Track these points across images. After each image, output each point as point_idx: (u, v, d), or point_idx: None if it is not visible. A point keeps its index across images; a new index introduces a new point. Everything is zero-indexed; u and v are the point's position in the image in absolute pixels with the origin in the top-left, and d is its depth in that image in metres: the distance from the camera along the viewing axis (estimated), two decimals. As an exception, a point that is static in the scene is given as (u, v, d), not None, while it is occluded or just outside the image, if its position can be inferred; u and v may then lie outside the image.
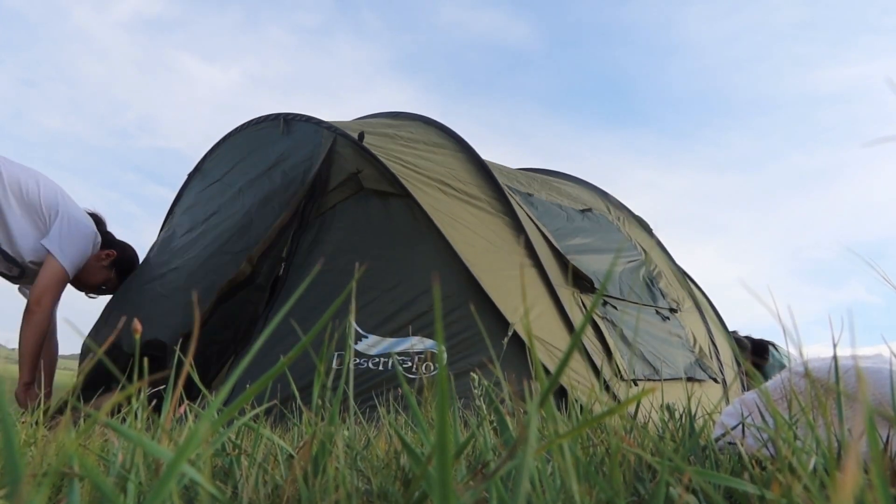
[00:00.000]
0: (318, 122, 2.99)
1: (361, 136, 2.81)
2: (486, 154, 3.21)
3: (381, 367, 2.37)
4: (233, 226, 2.99)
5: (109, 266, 3.17)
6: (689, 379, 3.13)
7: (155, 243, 3.62)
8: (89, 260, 3.06)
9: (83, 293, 3.23)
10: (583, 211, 3.70)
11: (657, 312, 3.36)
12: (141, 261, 3.49)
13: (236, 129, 3.50)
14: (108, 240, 3.20)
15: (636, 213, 4.31)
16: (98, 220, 3.20)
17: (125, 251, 3.25)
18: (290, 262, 2.81)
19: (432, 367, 2.32)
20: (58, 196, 2.90)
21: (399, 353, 2.40)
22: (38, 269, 2.90)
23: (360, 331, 2.45)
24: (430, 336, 2.42)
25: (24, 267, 2.90)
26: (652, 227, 4.29)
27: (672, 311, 3.49)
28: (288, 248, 2.84)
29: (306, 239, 2.79)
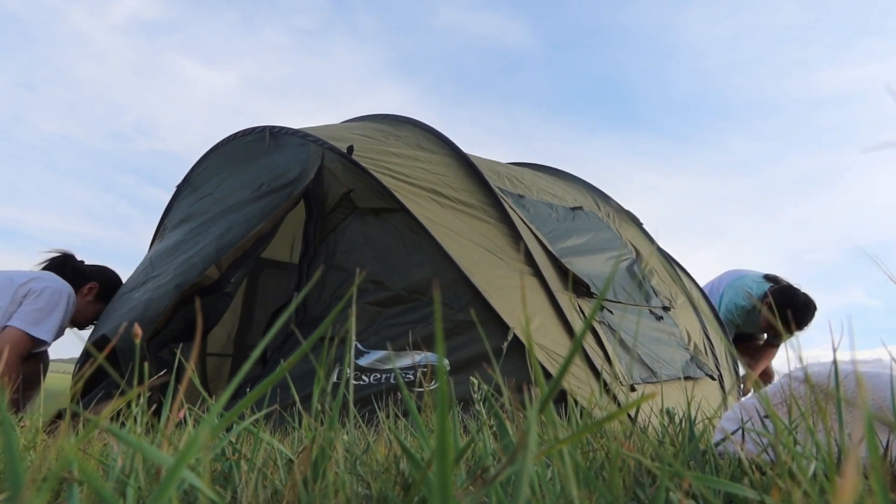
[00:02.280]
0: (305, 136, 2.95)
1: (350, 149, 2.77)
2: (484, 157, 3.19)
3: (383, 381, 2.37)
4: (210, 236, 2.91)
5: (95, 299, 3.14)
6: (686, 378, 3.12)
7: (145, 259, 3.55)
8: (77, 303, 3.05)
9: (76, 328, 3.19)
10: (573, 209, 3.68)
11: (651, 312, 3.36)
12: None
13: (223, 141, 3.42)
14: (86, 272, 3.18)
15: (632, 212, 4.28)
16: (67, 256, 3.17)
17: (105, 275, 3.22)
18: (307, 297, 2.73)
19: (434, 381, 2.32)
20: (15, 278, 2.88)
21: (402, 369, 2.40)
22: None
23: (361, 347, 2.45)
24: (430, 349, 2.42)
25: None
26: (643, 223, 4.27)
27: (665, 309, 3.48)
28: (297, 278, 2.79)
29: (314, 267, 2.71)
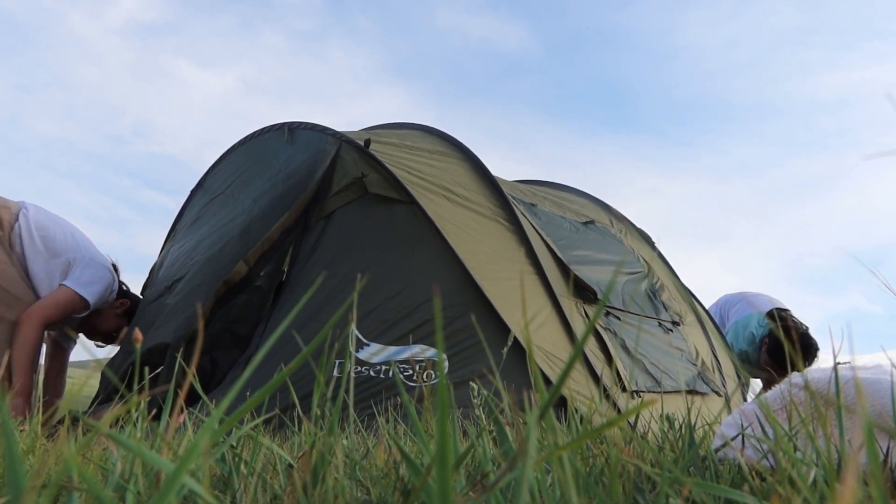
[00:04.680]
0: (323, 129, 3.00)
1: (367, 142, 2.82)
2: (484, 161, 3.21)
3: (382, 375, 2.37)
4: (233, 231, 3.00)
5: (122, 314, 3.30)
6: (692, 392, 3.11)
7: (158, 262, 3.61)
8: (106, 307, 3.19)
9: (94, 342, 3.33)
10: (586, 223, 3.70)
11: (659, 325, 3.35)
12: (145, 280, 3.54)
13: (239, 141, 3.49)
14: (122, 290, 3.33)
15: (638, 224, 4.30)
16: (115, 268, 3.32)
17: (136, 299, 3.38)
18: (292, 265, 2.81)
19: (433, 376, 2.31)
20: (80, 244, 3.06)
21: (401, 362, 2.39)
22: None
23: (362, 339, 2.45)
24: (432, 344, 2.41)
25: None
26: (654, 238, 4.28)
27: (674, 323, 3.48)
28: (291, 252, 2.84)
29: (308, 242, 2.79)
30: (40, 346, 2.97)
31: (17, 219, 2.87)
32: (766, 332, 4.16)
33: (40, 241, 2.90)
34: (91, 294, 3.01)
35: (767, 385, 4.23)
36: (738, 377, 3.73)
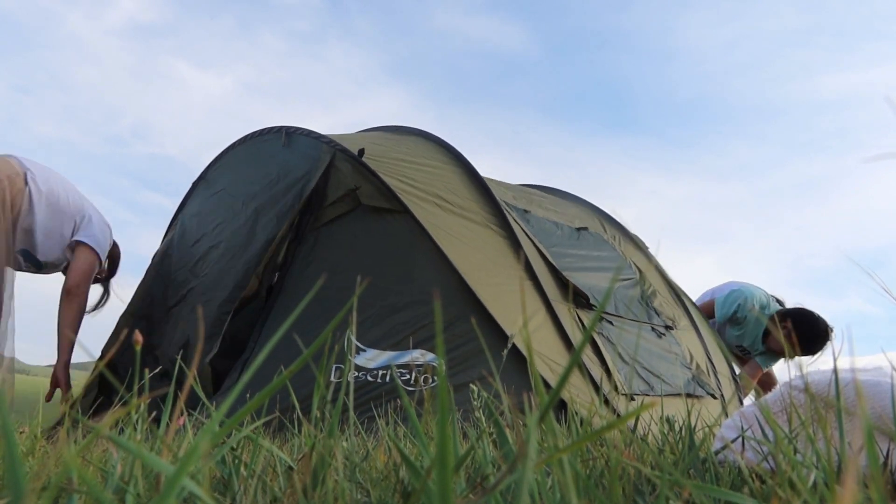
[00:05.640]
0: (318, 137, 3.01)
1: (361, 151, 2.82)
2: (483, 162, 3.23)
3: (379, 380, 2.37)
4: (237, 243, 3.04)
5: (105, 258, 3.41)
6: (687, 395, 3.12)
7: (160, 251, 3.68)
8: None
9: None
10: (578, 229, 3.71)
11: (653, 329, 3.36)
12: (147, 267, 3.60)
13: (240, 140, 3.55)
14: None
15: (638, 225, 4.30)
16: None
17: (115, 246, 3.48)
18: (284, 273, 2.82)
19: (431, 380, 2.32)
20: (83, 201, 3.16)
21: (398, 366, 2.39)
22: (57, 264, 3.11)
23: (360, 345, 2.45)
24: (429, 350, 2.42)
25: (43, 265, 3.09)
26: (648, 243, 4.28)
27: (668, 328, 3.48)
28: (283, 259, 2.86)
29: (302, 252, 2.80)
30: (83, 314, 3.12)
31: (28, 194, 2.86)
32: (776, 309, 4.17)
33: (46, 206, 2.93)
34: (103, 253, 3.15)
35: (765, 387, 4.22)
36: (734, 380, 3.72)
